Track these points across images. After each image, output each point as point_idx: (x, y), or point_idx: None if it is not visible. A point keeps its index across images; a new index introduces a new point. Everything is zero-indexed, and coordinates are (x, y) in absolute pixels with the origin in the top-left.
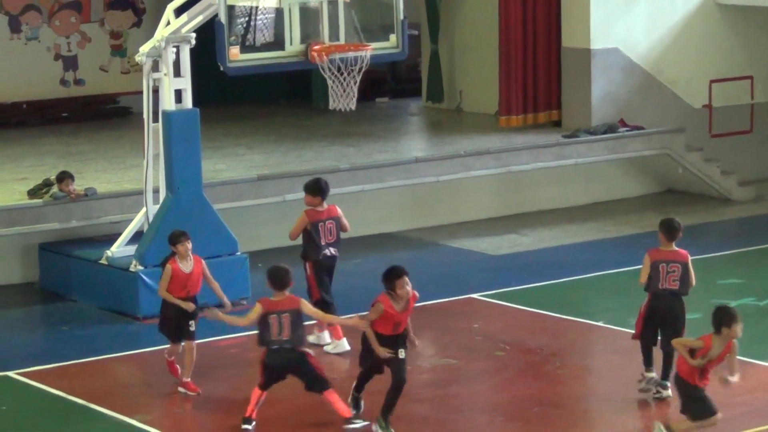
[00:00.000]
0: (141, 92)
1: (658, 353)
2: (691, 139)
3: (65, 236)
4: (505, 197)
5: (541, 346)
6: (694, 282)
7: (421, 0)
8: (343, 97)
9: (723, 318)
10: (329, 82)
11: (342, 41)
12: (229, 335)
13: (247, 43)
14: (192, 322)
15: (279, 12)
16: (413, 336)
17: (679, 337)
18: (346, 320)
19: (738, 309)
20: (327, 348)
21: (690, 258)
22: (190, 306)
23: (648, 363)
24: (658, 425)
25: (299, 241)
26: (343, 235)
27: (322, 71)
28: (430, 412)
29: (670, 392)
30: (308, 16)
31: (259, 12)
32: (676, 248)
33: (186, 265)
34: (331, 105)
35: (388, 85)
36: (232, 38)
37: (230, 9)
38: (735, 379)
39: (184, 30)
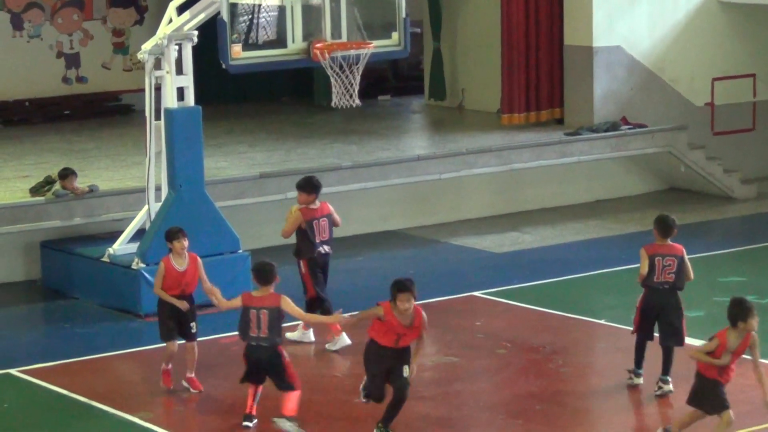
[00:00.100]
0: (143, 90)
1: (656, 353)
2: (693, 137)
3: (67, 234)
4: (507, 195)
5: (543, 344)
6: (691, 276)
7: None
8: (345, 94)
9: (739, 312)
10: (332, 80)
11: (344, 39)
12: (231, 333)
13: (250, 41)
14: (193, 324)
15: (281, 10)
16: (414, 366)
17: (679, 331)
18: (328, 318)
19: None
20: (328, 346)
21: (685, 252)
22: (183, 305)
23: (638, 362)
24: None
25: (292, 239)
26: (344, 233)
27: (324, 69)
28: (432, 410)
29: (671, 386)
30: (310, 14)
31: (262, 10)
32: (671, 243)
33: (180, 263)
34: (335, 103)
35: (390, 82)
36: (234, 36)
37: (232, 7)
38: None
39: (186, 28)
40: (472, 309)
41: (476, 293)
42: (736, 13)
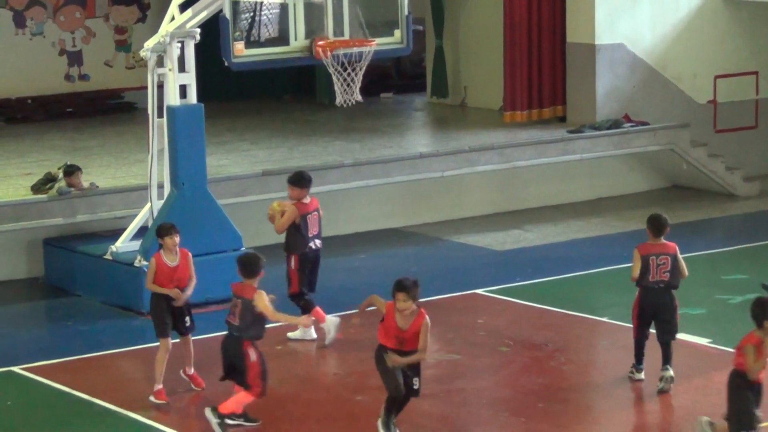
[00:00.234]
0: (146, 87)
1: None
2: (695, 135)
3: (70, 231)
4: (510, 193)
5: (546, 341)
6: (686, 273)
7: None
8: (347, 92)
9: (760, 313)
10: (334, 78)
11: (346, 37)
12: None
13: (252, 39)
14: (187, 318)
15: (283, 7)
16: (401, 360)
17: (675, 328)
18: (296, 319)
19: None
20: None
21: (678, 250)
22: (176, 293)
23: (639, 358)
24: (701, 420)
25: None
26: (346, 231)
27: (326, 67)
28: (434, 408)
29: (671, 372)
30: (312, 12)
31: (264, 7)
32: (664, 241)
33: (171, 259)
34: (338, 101)
35: (393, 80)
36: (237, 33)
37: (235, 4)
38: None
39: (188, 25)
40: (474, 306)
41: (478, 291)
42: (739, 11)
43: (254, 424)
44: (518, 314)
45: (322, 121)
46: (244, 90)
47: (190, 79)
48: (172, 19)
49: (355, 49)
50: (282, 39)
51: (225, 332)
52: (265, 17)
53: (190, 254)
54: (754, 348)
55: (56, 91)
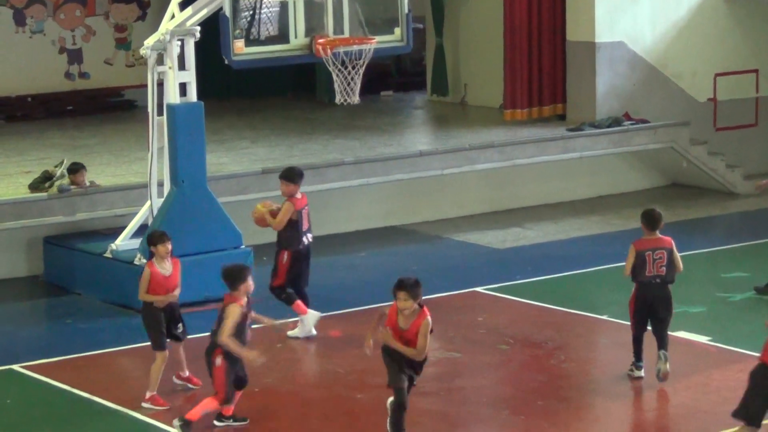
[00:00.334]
0: (146, 85)
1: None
2: (695, 133)
3: (70, 229)
4: (510, 191)
5: (546, 339)
6: (681, 268)
7: None
8: (347, 90)
9: None
10: (334, 76)
11: (346, 34)
12: None
13: (252, 37)
14: (180, 325)
15: (283, 5)
16: (406, 350)
17: (668, 322)
18: (268, 321)
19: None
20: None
21: (674, 244)
22: (174, 297)
23: (638, 355)
24: None
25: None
26: (346, 229)
27: (326, 65)
28: (434, 406)
29: (667, 353)
30: (312, 10)
31: (264, 5)
32: (660, 235)
33: (165, 267)
34: (338, 99)
35: (393, 78)
36: (237, 31)
37: (235, 2)
38: None
39: (188, 23)
40: (474, 305)
41: (478, 289)
42: (739, 9)
43: (243, 423)
44: (518, 312)
45: (322, 119)
46: (244, 88)
47: (190, 77)
48: (172, 17)
49: (355, 47)
50: (282, 37)
51: None
52: (265, 15)
53: (179, 262)
54: None
55: (56, 89)
